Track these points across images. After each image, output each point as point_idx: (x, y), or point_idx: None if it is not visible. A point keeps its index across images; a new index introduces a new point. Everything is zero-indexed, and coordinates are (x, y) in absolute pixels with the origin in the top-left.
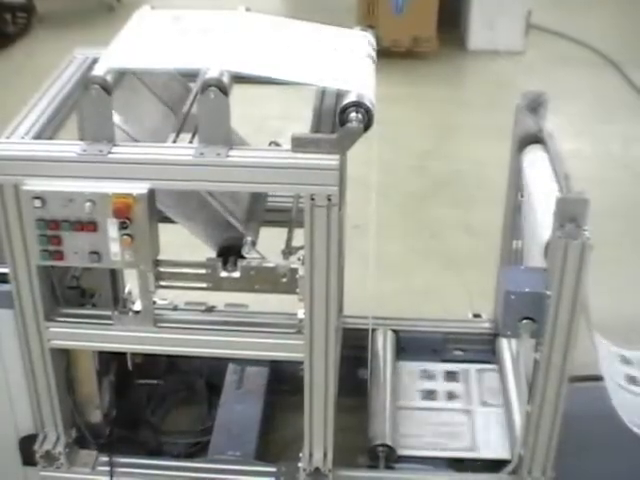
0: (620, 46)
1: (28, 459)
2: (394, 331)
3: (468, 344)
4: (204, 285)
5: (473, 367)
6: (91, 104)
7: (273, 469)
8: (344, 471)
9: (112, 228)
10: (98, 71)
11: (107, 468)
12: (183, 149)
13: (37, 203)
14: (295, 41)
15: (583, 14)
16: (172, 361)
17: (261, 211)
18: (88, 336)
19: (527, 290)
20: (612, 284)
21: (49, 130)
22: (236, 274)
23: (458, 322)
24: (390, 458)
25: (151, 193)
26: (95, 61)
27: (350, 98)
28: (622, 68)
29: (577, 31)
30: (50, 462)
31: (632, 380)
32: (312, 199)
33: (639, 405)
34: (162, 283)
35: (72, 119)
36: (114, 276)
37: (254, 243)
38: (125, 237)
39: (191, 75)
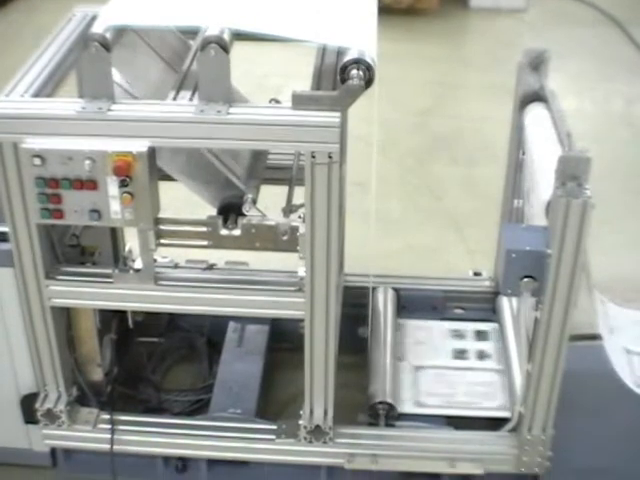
0: (623, 4)
1: (30, 417)
2: (395, 289)
3: (468, 302)
4: (205, 243)
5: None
6: (90, 61)
7: (274, 426)
8: (344, 428)
9: (112, 186)
10: (97, 28)
11: (108, 426)
12: (183, 106)
13: (36, 161)
14: None
15: None
16: (173, 319)
17: (262, 169)
18: (88, 294)
19: (528, 249)
20: (613, 243)
21: (48, 88)
22: (237, 232)
23: (459, 280)
24: (390, 415)
25: (151, 151)
26: (94, 18)
27: (351, 55)
28: (625, 26)
29: None
30: (51, 420)
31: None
32: (313, 157)
33: (635, 360)
34: (163, 241)
35: (72, 77)
36: (114, 234)
37: (255, 201)
38: (125, 195)
39: (191, 32)
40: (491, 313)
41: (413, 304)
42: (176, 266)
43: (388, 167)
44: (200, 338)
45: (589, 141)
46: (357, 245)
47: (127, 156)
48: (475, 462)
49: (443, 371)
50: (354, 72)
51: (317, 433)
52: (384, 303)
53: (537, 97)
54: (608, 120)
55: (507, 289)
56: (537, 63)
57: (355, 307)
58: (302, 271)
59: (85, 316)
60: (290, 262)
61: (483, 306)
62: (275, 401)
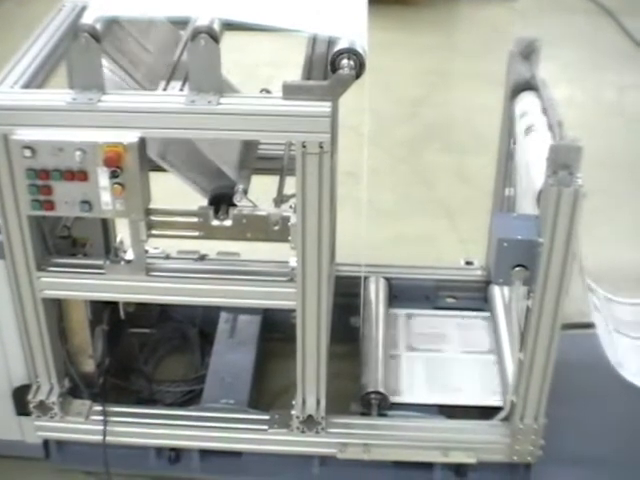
0: None
1: (22, 409)
2: (386, 279)
3: (460, 291)
4: (196, 234)
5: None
6: (80, 52)
7: (266, 417)
8: (337, 418)
9: (103, 177)
10: (87, 19)
11: (100, 417)
12: (174, 97)
13: (27, 153)
14: None
15: None
16: (164, 310)
17: (252, 159)
18: (80, 286)
19: (519, 238)
20: (604, 231)
21: (38, 79)
22: (228, 222)
23: (450, 269)
24: (383, 405)
25: (142, 142)
26: (84, 9)
27: (342, 45)
28: (616, 16)
29: None
30: (44, 412)
31: (616, 324)
32: (304, 146)
33: (628, 349)
34: (154, 232)
35: (62, 68)
36: (105, 225)
37: (246, 191)
38: (116, 186)
39: (182, 22)
40: (483, 302)
41: (405, 294)
42: (167, 257)
43: (380, 156)
44: (192, 329)
45: (580, 130)
46: (349, 235)
47: (118, 147)
48: (468, 451)
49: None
50: (345, 62)
51: (310, 423)
52: (376, 293)
53: (528, 86)
54: (599, 109)
55: (499, 278)
56: (528, 52)
57: (347, 297)
58: (293, 261)
59: (76, 307)
60: (281, 252)
61: (475, 295)
62: (267, 391)
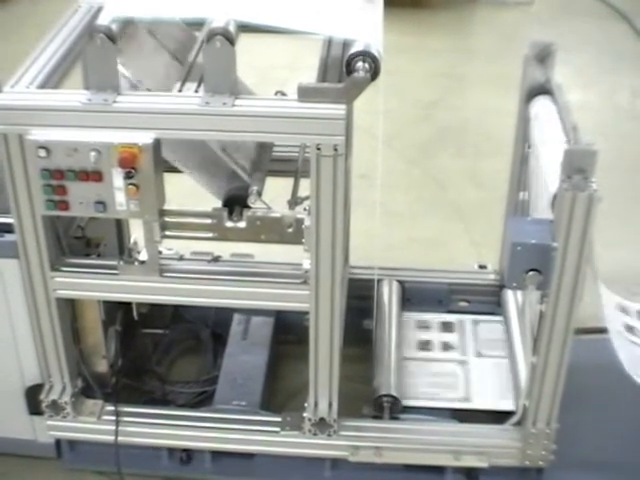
0: None
1: (35, 408)
2: (400, 282)
3: (473, 295)
4: (210, 235)
5: (469, 318)
6: (96, 53)
7: (278, 419)
8: (349, 421)
9: (117, 178)
10: (103, 20)
11: (113, 417)
12: (189, 98)
13: (42, 153)
14: None
15: None
16: (178, 311)
17: (267, 161)
18: (93, 286)
19: (533, 242)
20: (618, 236)
21: (54, 79)
22: (242, 224)
23: (464, 273)
24: (395, 409)
25: (157, 143)
26: (100, 10)
27: (357, 47)
28: (631, 19)
29: None
30: (56, 411)
31: (630, 329)
32: (318, 149)
33: None
34: (168, 233)
35: (77, 68)
36: (120, 226)
37: (260, 193)
38: (130, 187)
39: (197, 24)
40: (496, 306)
41: (418, 297)
42: (181, 258)
43: (393, 159)
44: (205, 330)
45: (595, 134)
46: (362, 237)
47: (133, 148)
48: (480, 455)
49: (407, 362)
50: (360, 64)
51: (321, 425)
52: (389, 296)
53: (543, 90)
54: (614, 113)
55: (512, 282)
56: (543, 56)
57: (360, 299)
58: (307, 263)
59: (90, 308)
60: (295, 254)
61: (488, 299)
62: (280, 393)
